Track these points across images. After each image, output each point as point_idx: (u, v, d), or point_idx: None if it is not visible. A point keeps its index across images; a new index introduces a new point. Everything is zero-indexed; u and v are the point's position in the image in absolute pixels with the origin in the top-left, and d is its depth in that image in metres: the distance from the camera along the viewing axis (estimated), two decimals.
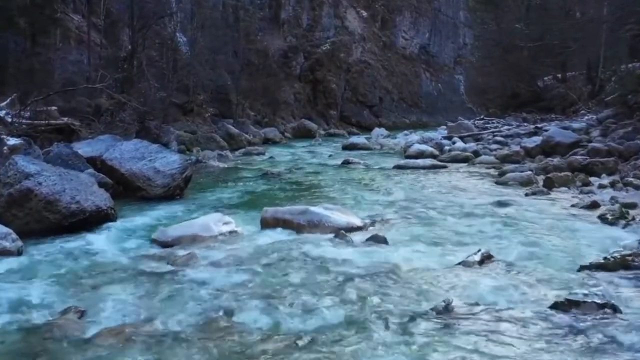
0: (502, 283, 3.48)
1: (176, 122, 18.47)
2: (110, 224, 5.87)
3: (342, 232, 5.07)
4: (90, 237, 5.31)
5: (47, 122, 9.34)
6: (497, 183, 8.79)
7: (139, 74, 13.36)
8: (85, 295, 3.47)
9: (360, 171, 10.92)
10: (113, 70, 12.43)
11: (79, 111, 11.03)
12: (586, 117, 14.99)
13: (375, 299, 3.27)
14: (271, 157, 14.16)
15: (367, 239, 4.89)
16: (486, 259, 3.97)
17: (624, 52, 16.46)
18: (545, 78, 21.97)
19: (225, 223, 5.35)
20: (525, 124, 16.73)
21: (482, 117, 21.28)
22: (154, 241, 5.13)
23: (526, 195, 7.56)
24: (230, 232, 5.27)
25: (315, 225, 5.42)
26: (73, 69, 15.28)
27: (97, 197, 6.02)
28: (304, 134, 23.88)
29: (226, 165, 12.03)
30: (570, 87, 18.89)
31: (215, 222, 5.31)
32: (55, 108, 10.12)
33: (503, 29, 22.92)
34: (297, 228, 5.45)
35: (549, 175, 8.35)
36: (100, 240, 5.18)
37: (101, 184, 7.70)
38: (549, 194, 7.61)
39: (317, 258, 4.25)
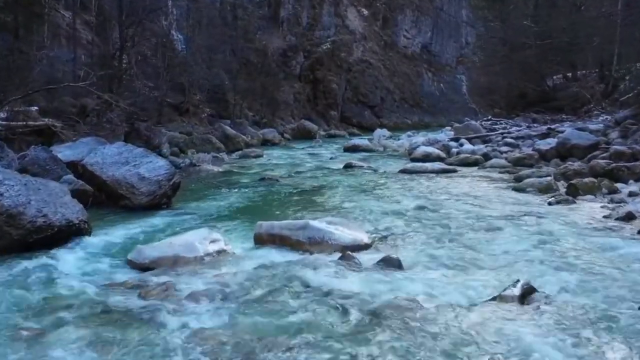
0: (557, 330, 2.75)
1: (171, 123, 17.78)
2: (82, 240, 5.13)
3: (348, 253, 4.34)
4: (56, 257, 4.57)
5: (25, 123, 8.60)
6: (514, 189, 8.08)
7: (129, 71, 12.61)
8: (26, 345, 2.73)
9: (364, 176, 10.19)
10: (101, 68, 11.69)
11: (63, 111, 10.29)
12: (601, 118, 14.24)
13: (394, 356, 2.53)
14: (269, 160, 13.45)
15: (378, 262, 4.16)
16: (527, 292, 3.24)
17: (638, 50, 15.71)
18: (555, 77, 21.19)
19: (213, 241, 4.62)
20: (535, 124, 16.00)
21: (489, 117, 20.54)
22: (129, 262, 4.40)
23: (549, 204, 6.85)
24: (219, 252, 4.53)
25: (317, 243, 4.69)
26: (63, 67, 14.57)
27: (68, 209, 5.29)
28: (304, 135, 23.21)
29: (221, 169, 11.31)
30: (583, 86, 18.13)
31: (201, 240, 4.57)
32: (36, 108, 9.39)
33: (509, 27, 22.16)
34: (296, 246, 4.73)
35: (572, 182, 7.62)
36: (66, 262, 4.45)
37: (80, 192, 7.01)
38: (575, 202, 6.89)
39: (318, 289, 3.52)
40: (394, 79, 38.13)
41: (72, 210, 5.32)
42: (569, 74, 20.31)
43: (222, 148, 15.77)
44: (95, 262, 4.52)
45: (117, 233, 5.55)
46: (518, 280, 3.33)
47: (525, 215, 6.09)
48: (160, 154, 10.85)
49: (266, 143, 19.30)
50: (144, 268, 4.28)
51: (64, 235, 5.07)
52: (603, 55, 17.76)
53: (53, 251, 4.72)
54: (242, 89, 22.81)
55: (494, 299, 3.21)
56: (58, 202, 5.28)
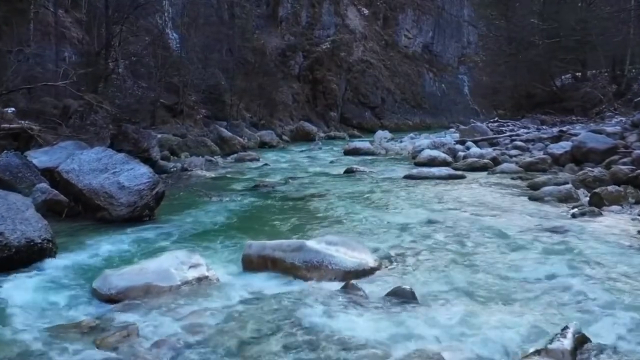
0: None
1: (165, 125, 17.14)
2: (45, 262, 4.46)
3: (351, 283, 3.66)
4: (8, 285, 3.91)
5: None
6: (530, 198, 7.41)
7: (116, 70, 11.92)
8: None
9: (367, 182, 9.51)
10: (85, 67, 11.00)
11: (44, 113, 9.61)
12: (614, 120, 13.56)
13: None
14: (265, 164, 12.76)
15: (388, 294, 3.49)
16: (579, 343, 2.56)
17: None
18: (563, 77, 20.49)
19: (192, 266, 3.94)
20: (544, 126, 15.31)
21: (495, 119, 19.86)
22: (94, 292, 3.73)
23: (573, 216, 6.18)
24: (199, 279, 3.86)
25: (315, 268, 4.02)
26: (53, 67, 13.92)
27: (30, 227, 4.60)
28: (303, 137, 22.61)
29: (213, 175, 10.64)
30: (594, 87, 17.42)
31: (178, 265, 3.89)
32: (13, 110, 8.70)
33: (514, 25, 21.47)
34: (290, 271, 4.06)
35: (596, 191, 6.94)
36: (19, 292, 3.78)
37: (53, 203, 6.38)
38: (601, 214, 6.21)
39: (316, 334, 2.84)
40: (395, 79, 37.51)
41: (35, 228, 4.63)
42: (578, 74, 19.60)
43: (217, 151, 15.17)
44: (55, 291, 3.84)
45: (88, 252, 4.88)
46: (567, 327, 2.66)
47: (549, 230, 5.42)
48: (149, 158, 10.20)
49: (264, 145, 18.69)
50: (109, 300, 3.61)
51: (23, 256, 4.40)
52: (615, 54, 17.05)
53: (7, 277, 4.06)
54: (239, 89, 22.20)
55: (538, 352, 2.53)
56: (18, 218, 4.60)
